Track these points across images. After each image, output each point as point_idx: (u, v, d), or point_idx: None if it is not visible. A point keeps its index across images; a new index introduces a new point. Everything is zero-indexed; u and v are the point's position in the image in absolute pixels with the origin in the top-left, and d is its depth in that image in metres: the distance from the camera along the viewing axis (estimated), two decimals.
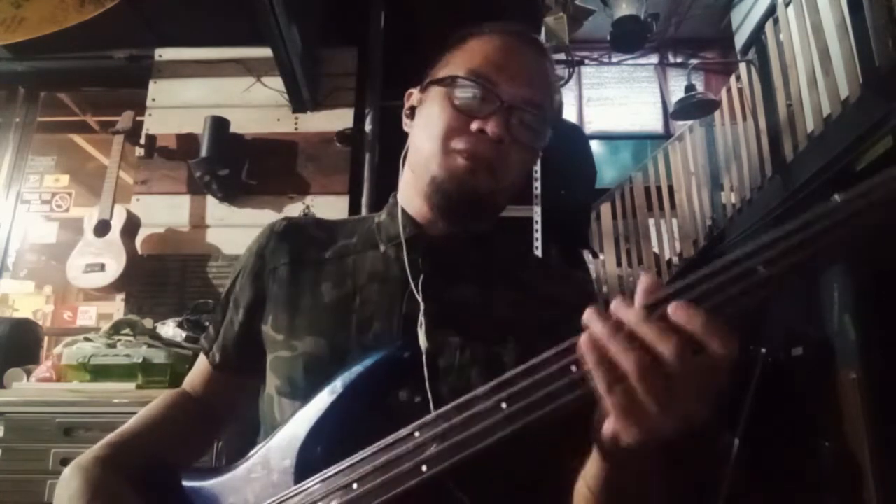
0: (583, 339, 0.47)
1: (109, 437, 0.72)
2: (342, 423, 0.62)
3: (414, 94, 0.79)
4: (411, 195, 0.76)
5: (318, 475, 0.58)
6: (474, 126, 0.69)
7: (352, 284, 0.73)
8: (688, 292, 0.46)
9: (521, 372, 0.51)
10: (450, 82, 0.72)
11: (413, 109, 0.78)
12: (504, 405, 0.51)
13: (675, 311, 0.44)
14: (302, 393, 0.66)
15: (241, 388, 0.83)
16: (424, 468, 0.52)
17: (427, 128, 0.73)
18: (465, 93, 0.71)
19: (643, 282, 0.48)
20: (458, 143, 0.69)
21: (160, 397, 0.81)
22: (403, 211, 0.76)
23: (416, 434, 0.54)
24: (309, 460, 0.61)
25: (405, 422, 0.55)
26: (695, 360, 0.43)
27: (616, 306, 0.47)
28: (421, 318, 0.67)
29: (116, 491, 0.65)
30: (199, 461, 0.83)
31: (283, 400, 0.69)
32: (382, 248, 0.75)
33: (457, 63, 0.73)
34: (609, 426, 0.47)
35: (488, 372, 0.63)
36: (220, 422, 0.87)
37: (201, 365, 0.83)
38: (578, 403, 0.48)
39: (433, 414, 0.54)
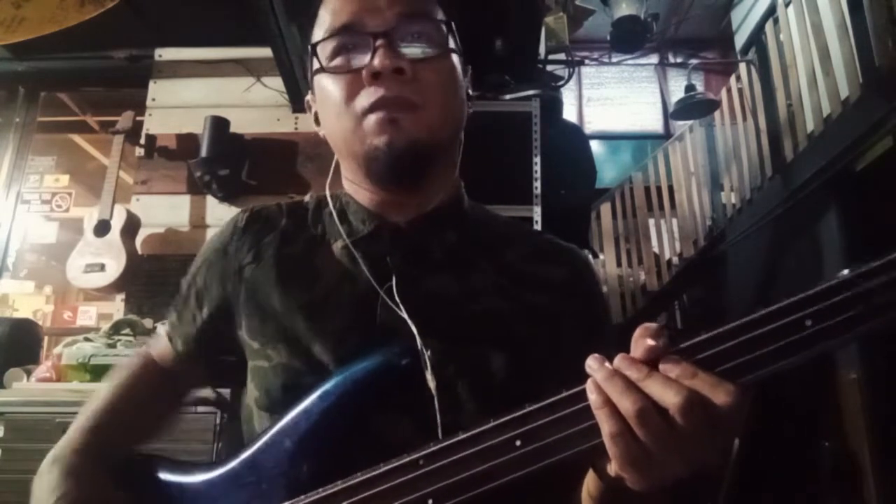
0: (588, 382, 0.45)
1: (82, 422, 0.68)
2: (334, 432, 0.58)
3: (309, 99, 0.72)
4: (356, 187, 0.69)
5: (311, 494, 0.55)
6: (365, 75, 0.60)
7: (322, 288, 0.66)
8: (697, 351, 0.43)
9: (539, 408, 0.47)
10: (317, 57, 0.64)
11: (317, 114, 0.70)
12: (518, 443, 0.47)
13: (675, 369, 0.43)
14: (281, 407, 0.61)
15: (201, 378, 0.80)
16: (430, 502, 0.49)
17: (329, 114, 0.65)
18: (333, 54, 0.63)
19: (644, 333, 0.45)
20: (361, 103, 0.61)
21: (128, 368, 0.76)
22: (358, 203, 0.69)
23: (421, 462, 0.50)
24: (300, 471, 0.58)
25: (402, 439, 0.53)
26: (701, 411, 0.42)
27: (619, 363, 0.45)
28: (426, 357, 0.59)
29: (95, 483, 0.62)
30: (161, 433, 0.77)
31: (262, 413, 0.65)
32: (344, 243, 0.68)
33: (315, 38, 0.66)
34: (614, 469, 0.46)
35: (476, 385, 0.60)
36: (182, 396, 0.82)
37: (164, 343, 0.77)
38: (601, 450, 0.45)
39: (441, 443, 0.50)
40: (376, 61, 0.60)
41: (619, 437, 0.43)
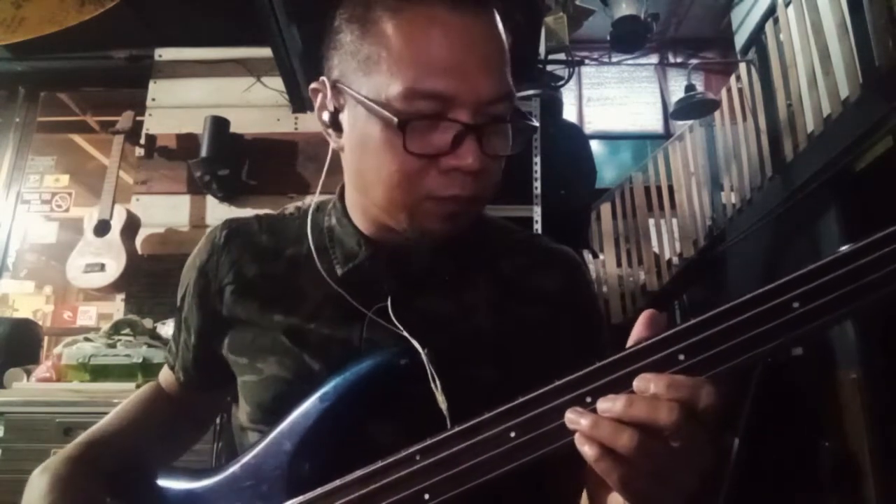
0: (577, 438, 0.44)
1: (83, 435, 0.68)
2: (333, 433, 0.58)
3: (325, 94, 0.61)
4: (362, 215, 0.65)
5: (311, 493, 0.55)
6: (445, 165, 0.55)
7: (306, 307, 0.65)
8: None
9: (532, 398, 0.48)
10: (391, 117, 0.54)
11: (334, 116, 0.61)
12: (513, 434, 0.47)
13: (652, 386, 0.43)
14: (274, 419, 0.61)
15: (210, 401, 0.81)
16: (427, 496, 0.49)
17: (373, 167, 0.57)
18: (417, 131, 0.54)
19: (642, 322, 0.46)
20: (427, 190, 0.56)
21: (136, 394, 0.78)
22: (354, 225, 0.65)
23: (418, 458, 0.51)
24: (300, 472, 0.58)
25: (398, 437, 0.52)
26: (692, 419, 0.42)
27: (601, 406, 0.44)
28: (427, 365, 0.58)
29: (85, 490, 0.61)
30: (178, 459, 0.80)
31: (255, 427, 0.65)
32: (339, 270, 0.65)
33: (381, 68, 0.55)
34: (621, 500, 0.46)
35: (475, 401, 0.59)
36: (197, 423, 0.84)
37: (168, 372, 0.79)
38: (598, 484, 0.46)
39: (437, 437, 0.51)
40: (465, 158, 0.54)
41: (625, 475, 0.43)
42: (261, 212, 0.75)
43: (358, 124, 0.58)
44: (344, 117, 0.60)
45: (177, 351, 0.75)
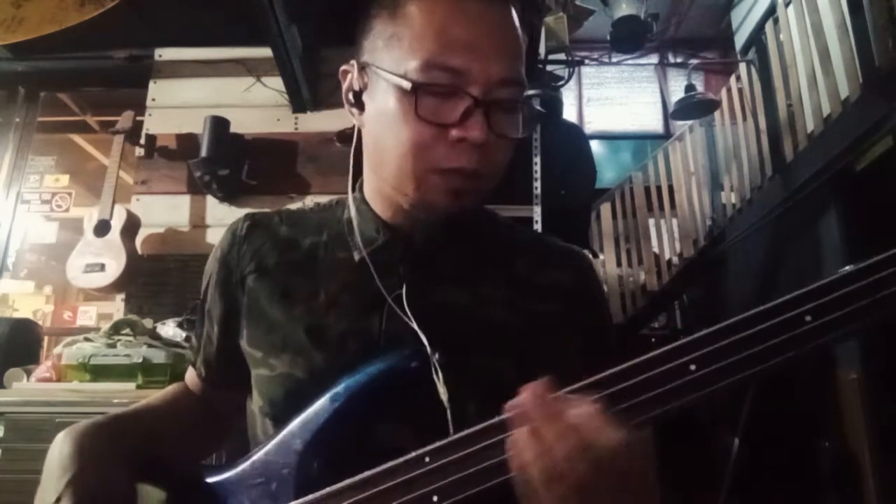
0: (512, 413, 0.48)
1: (113, 413, 0.68)
2: (343, 434, 0.58)
3: (352, 75, 0.65)
4: (379, 198, 0.68)
5: (319, 493, 0.55)
6: (453, 136, 0.58)
7: (324, 296, 0.66)
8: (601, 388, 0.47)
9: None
10: (406, 84, 0.58)
11: (357, 95, 0.65)
12: None
13: (574, 409, 0.46)
14: (285, 415, 0.62)
15: (233, 400, 0.79)
16: (436, 498, 0.50)
17: (387, 137, 0.61)
18: (429, 98, 0.58)
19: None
20: (434, 161, 0.58)
21: (164, 389, 0.79)
22: (372, 212, 0.68)
23: (427, 459, 0.51)
24: (309, 472, 0.58)
25: (409, 439, 0.53)
26: (587, 457, 0.43)
27: (528, 398, 0.47)
28: (435, 362, 0.59)
29: (108, 464, 0.60)
30: (206, 458, 0.79)
31: (267, 421, 0.66)
32: (356, 255, 0.67)
33: (403, 44, 0.59)
34: None
35: (485, 396, 0.58)
36: (220, 425, 0.82)
37: (191, 371, 0.79)
38: None
39: (447, 440, 0.51)
40: (472, 131, 0.57)
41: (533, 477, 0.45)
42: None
43: (378, 97, 0.62)
44: (367, 96, 0.64)
45: (199, 346, 0.76)
